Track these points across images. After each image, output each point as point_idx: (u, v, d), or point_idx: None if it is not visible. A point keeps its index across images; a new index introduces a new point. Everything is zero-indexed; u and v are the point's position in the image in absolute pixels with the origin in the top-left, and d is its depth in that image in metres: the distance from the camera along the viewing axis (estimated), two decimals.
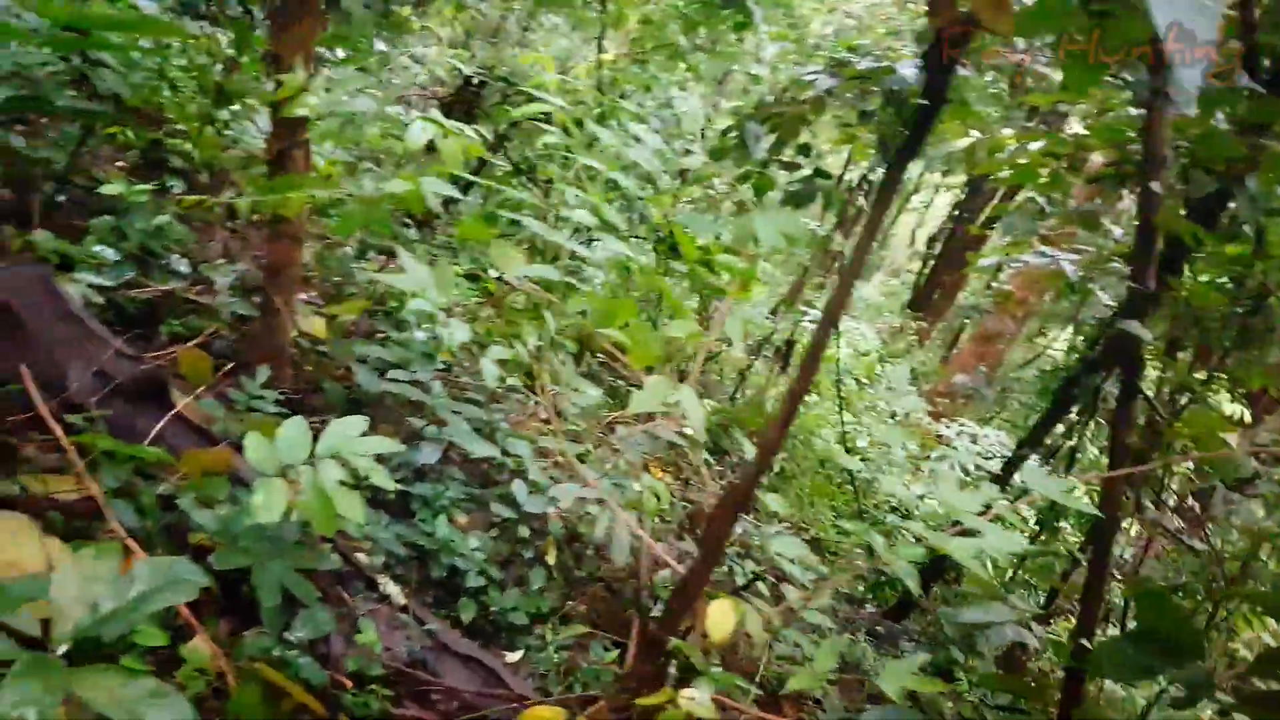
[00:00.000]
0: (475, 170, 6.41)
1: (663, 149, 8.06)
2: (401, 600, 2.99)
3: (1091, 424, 5.46)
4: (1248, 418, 4.91)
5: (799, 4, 9.35)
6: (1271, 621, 4.00)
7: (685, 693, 2.26)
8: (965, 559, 1.99)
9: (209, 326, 3.44)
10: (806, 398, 8.53)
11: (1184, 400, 4.22)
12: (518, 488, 3.73)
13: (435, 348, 4.29)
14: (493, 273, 5.58)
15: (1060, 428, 5.51)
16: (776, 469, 6.83)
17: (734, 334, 2.30)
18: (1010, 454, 5.65)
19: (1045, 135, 4.60)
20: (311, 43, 2.81)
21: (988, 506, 2.16)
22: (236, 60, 4.26)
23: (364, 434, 2.56)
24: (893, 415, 9.12)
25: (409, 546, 3.28)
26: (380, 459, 2.73)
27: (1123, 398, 2.96)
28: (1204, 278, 4.16)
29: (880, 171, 9.23)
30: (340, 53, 6.16)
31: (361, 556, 3.10)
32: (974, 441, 7.40)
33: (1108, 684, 4.18)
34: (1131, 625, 3.99)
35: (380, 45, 7.56)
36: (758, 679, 3.01)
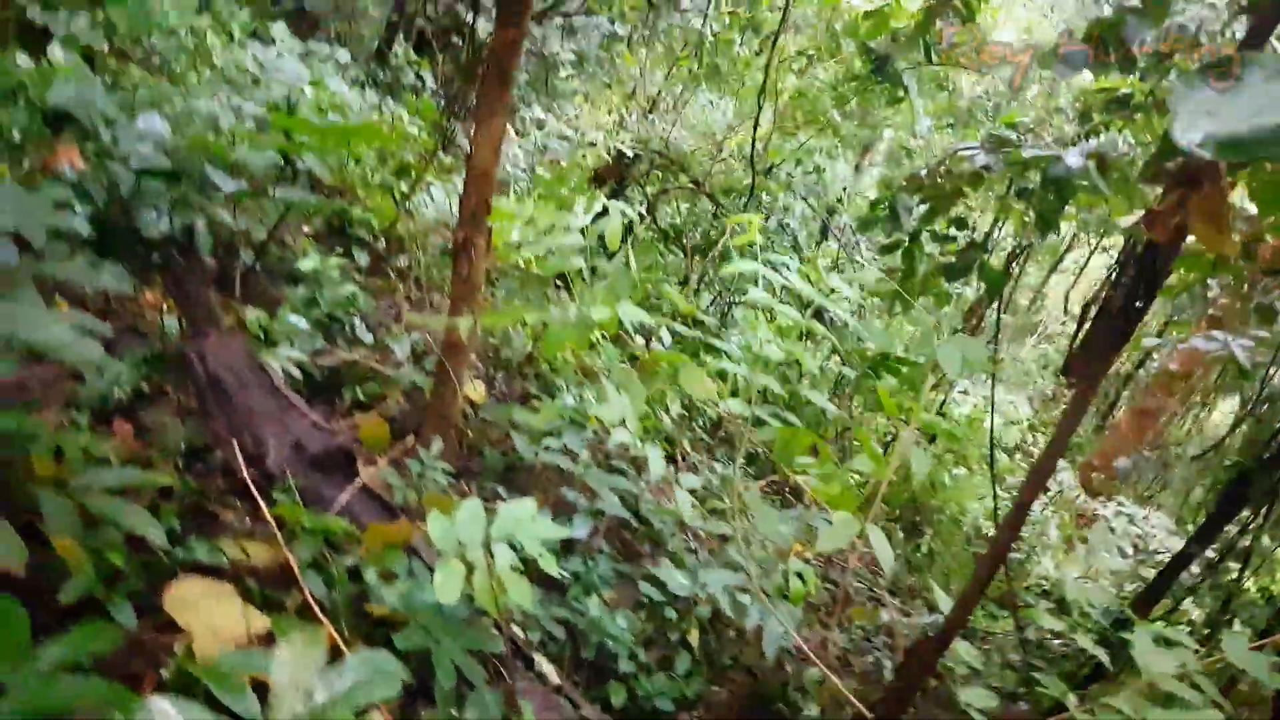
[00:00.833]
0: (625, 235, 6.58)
1: (807, 215, 8.07)
2: (556, 680, 3.02)
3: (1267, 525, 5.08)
4: None
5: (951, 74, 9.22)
6: None
7: None
8: None
9: (387, 393, 3.62)
10: (954, 469, 8.22)
11: None
12: (667, 574, 3.72)
13: (584, 416, 4.37)
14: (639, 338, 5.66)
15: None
16: (925, 549, 6.59)
17: (919, 468, 2.24)
18: (1171, 542, 5.30)
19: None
20: (502, 136, 2.95)
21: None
22: (419, 138, 4.52)
23: (533, 518, 2.63)
24: (1044, 491, 8.67)
25: (560, 623, 3.32)
26: None
27: None
28: None
29: (1034, 243, 8.91)
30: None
31: (517, 630, 3.15)
32: (1131, 523, 6.97)
33: None
34: None
35: (538, 112, 7.91)
36: None
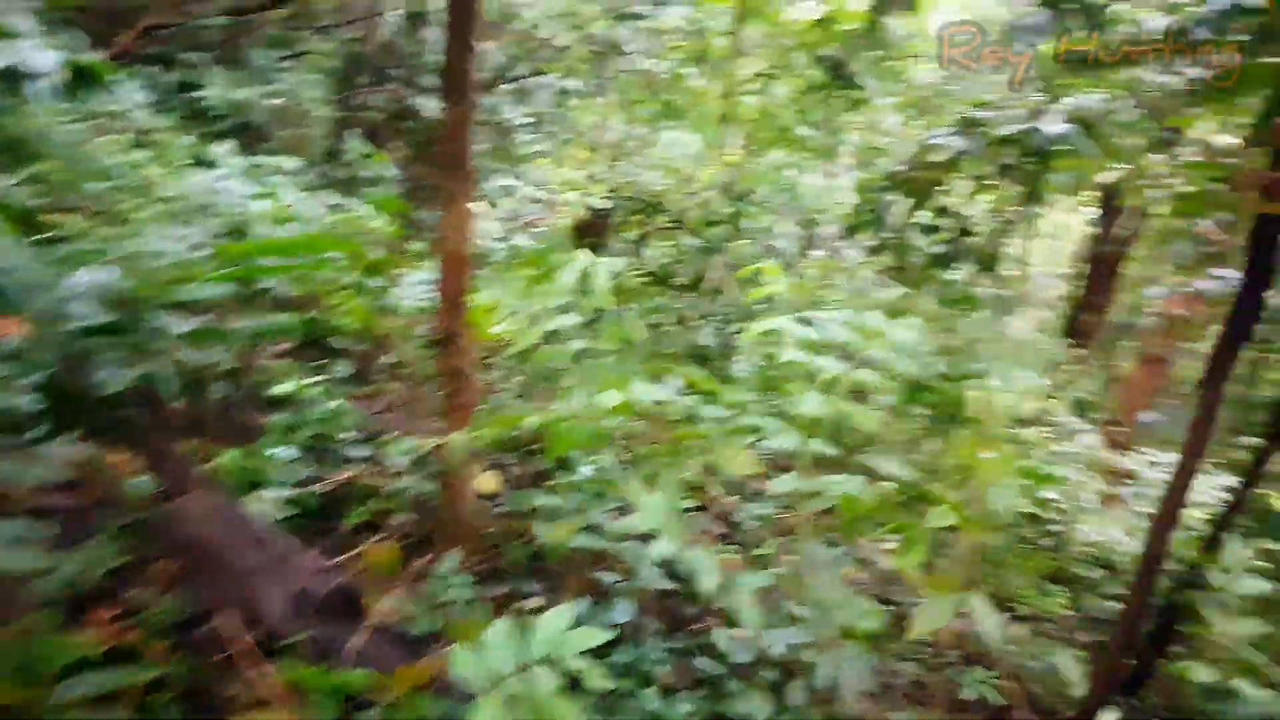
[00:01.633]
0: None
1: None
2: None
3: None
4: None
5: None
6: None
7: None
8: None
9: (392, 508, 3.37)
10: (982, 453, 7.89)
11: None
12: (724, 642, 3.44)
13: (604, 487, 4.12)
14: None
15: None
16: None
17: (1006, 509, 1.99)
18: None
19: (1202, 165, 4.14)
20: (469, 216, 2.77)
21: None
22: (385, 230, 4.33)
23: (572, 627, 2.37)
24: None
25: None
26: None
27: None
28: None
29: (1029, 213, 8.70)
30: None
31: None
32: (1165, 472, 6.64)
33: None
34: None
35: (504, 179, 7.76)
36: None
